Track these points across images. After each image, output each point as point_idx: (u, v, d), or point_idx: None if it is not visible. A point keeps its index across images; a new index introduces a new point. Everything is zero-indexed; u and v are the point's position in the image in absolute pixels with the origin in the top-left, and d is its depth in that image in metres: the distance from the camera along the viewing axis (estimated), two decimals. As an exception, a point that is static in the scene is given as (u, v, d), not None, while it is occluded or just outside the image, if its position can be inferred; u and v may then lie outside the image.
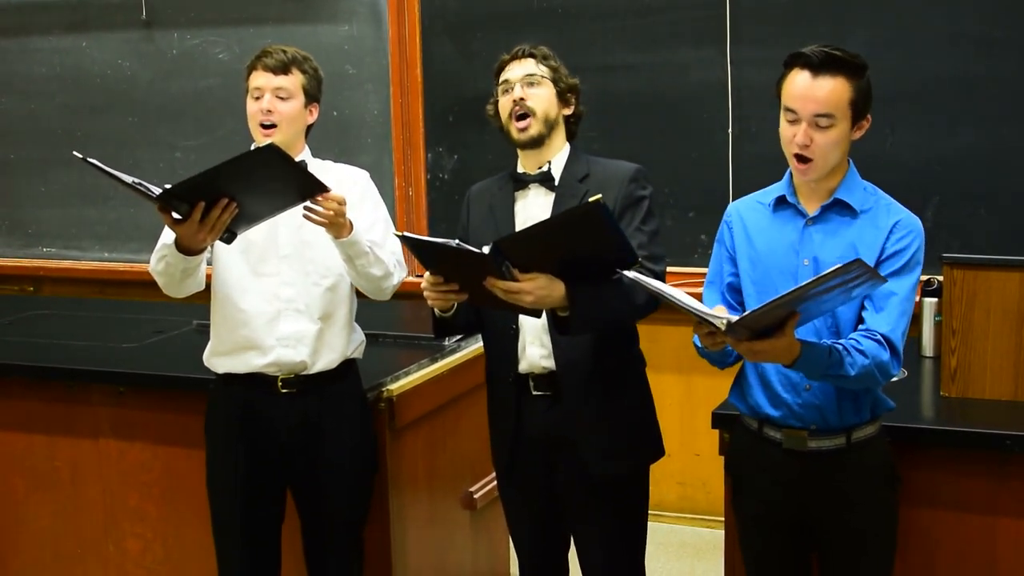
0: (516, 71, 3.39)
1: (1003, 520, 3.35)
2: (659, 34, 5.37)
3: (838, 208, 3.04)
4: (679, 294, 2.82)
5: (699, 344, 3.05)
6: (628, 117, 5.36)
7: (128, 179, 3.13)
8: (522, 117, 3.36)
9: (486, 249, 3.00)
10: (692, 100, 5.34)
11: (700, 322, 2.84)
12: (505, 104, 3.39)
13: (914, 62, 4.97)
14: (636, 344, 3.53)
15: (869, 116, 3.01)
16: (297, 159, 3.56)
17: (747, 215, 3.18)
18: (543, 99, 3.38)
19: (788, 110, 2.96)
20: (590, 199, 2.90)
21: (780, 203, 3.12)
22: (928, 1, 4.95)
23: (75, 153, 3.37)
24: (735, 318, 2.73)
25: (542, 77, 3.38)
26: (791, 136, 2.96)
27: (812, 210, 3.06)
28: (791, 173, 3.10)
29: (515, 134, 3.38)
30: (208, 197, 3.15)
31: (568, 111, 3.46)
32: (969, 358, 3.62)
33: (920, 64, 4.96)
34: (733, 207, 3.24)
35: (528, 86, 3.36)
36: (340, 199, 3.29)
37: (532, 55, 3.41)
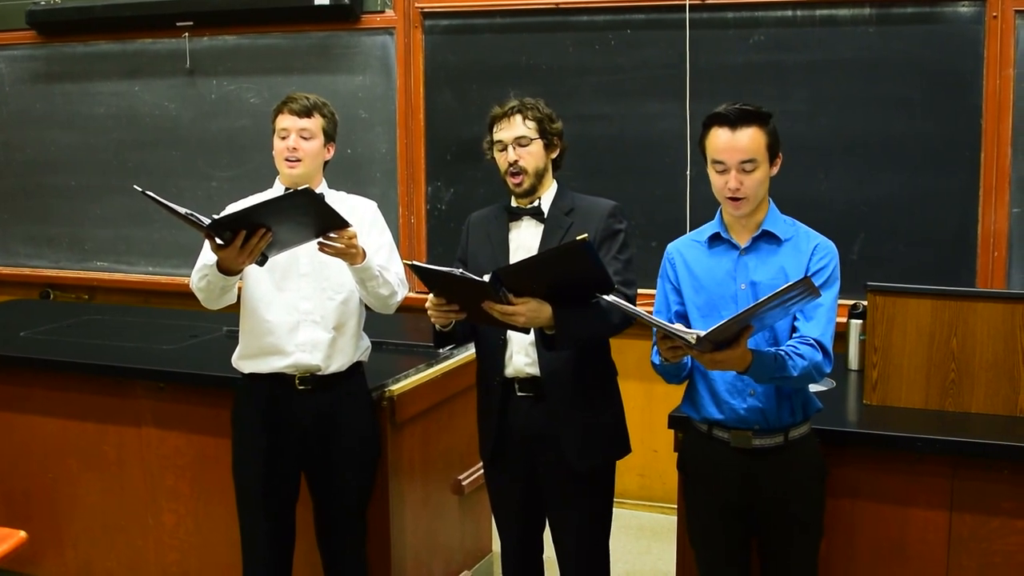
0: (507, 133, 3.40)
1: (914, 511, 3.37)
2: (630, 89, 5.38)
3: (766, 238, 3.11)
4: (653, 316, 2.87)
5: (656, 362, 3.13)
6: (602, 159, 5.37)
7: (182, 210, 3.15)
8: (516, 174, 3.38)
9: (486, 277, 3.04)
10: (657, 146, 5.35)
11: (664, 338, 2.87)
12: (501, 161, 3.42)
13: (845, 119, 4.99)
14: (609, 356, 3.54)
15: (780, 154, 3.09)
16: (316, 190, 3.59)
17: (686, 252, 3.24)
18: (533, 156, 3.40)
19: (717, 162, 3.05)
20: (577, 238, 2.94)
21: (714, 239, 3.18)
22: (856, 68, 4.98)
23: (135, 187, 3.39)
24: (703, 333, 2.77)
25: (531, 139, 3.39)
26: (723, 184, 3.04)
27: (743, 242, 3.12)
28: (720, 214, 3.16)
29: (512, 187, 3.42)
30: (248, 228, 3.17)
31: (554, 154, 3.47)
32: (888, 371, 3.64)
33: (850, 121, 4.99)
34: (672, 247, 3.29)
35: (519, 146, 3.38)
36: (352, 234, 3.31)
37: (519, 111, 3.41)
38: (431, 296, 3.23)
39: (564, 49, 5.46)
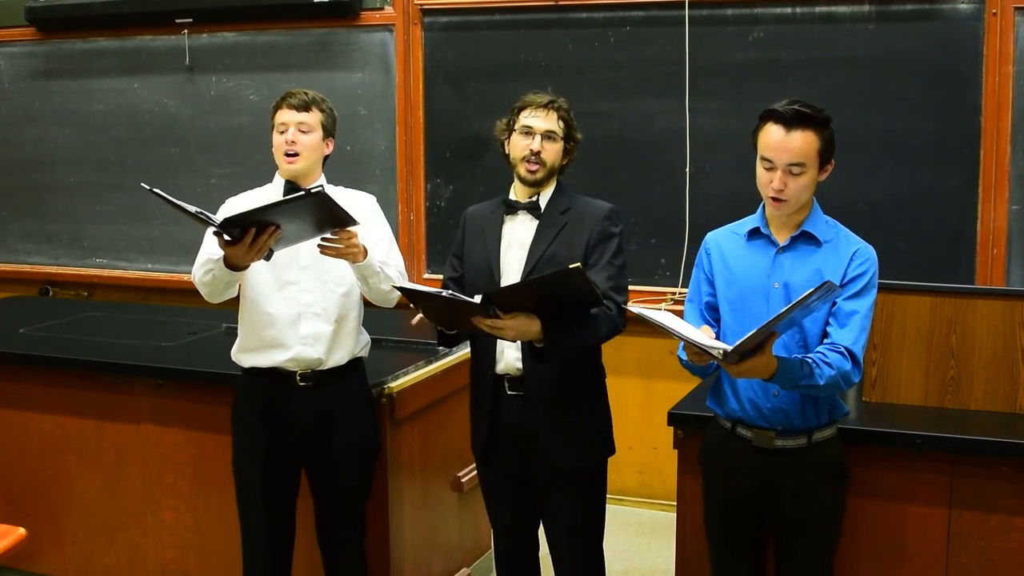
0: (540, 123, 3.39)
1: (913, 508, 3.36)
2: (628, 87, 5.37)
3: (805, 238, 3.06)
4: (682, 329, 2.86)
5: (684, 358, 3.09)
6: (601, 157, 5.36)
7: (191, 209, 3.15)
8: (533, 163, 3.38)
9: (477, 298, 3.07)
10: (656, 143, 5.34)
11: (689, 344, 2.86)
12: (521, 146, 3.40)
13: (844, 117, 4.91)
14: (598, 360, 3.53)
15: (833, 160, 3.04)
16: (315, 184, 3.60)
17: (724, 243, 3.19)
18: (554, 153, 3.41)
19: (764, 159, 2.98)
20: (571, 266, 2.95)
21: (754, 234, 3.13)
22: (855, 66, 4.98)
23: (143, 184, 3.36)
24: (730, 348, 2.76)
25: (559, 137, 3.40)
26: (768, 181, 2.97)
27: (782, 240, 3.07)
28: (763, 208, 3.11)
29: (524, 174, 3.41)
30: (258, 225, 3.17)
31: (566, 161, 3.48)
32: (887, 369, 3.63)
33: (849, 118, 4.95)
34: (711, 236, 3.25)
35: (547, 139, 3.39)
36: (351, 234, 3.32)
37: (556, 108, 3.42)
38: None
39: (563, 46, 5.46)
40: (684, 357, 3.08)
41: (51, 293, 6.74)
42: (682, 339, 2.83)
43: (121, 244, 6.54)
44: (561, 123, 3.42)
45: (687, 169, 5.25)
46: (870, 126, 4.98)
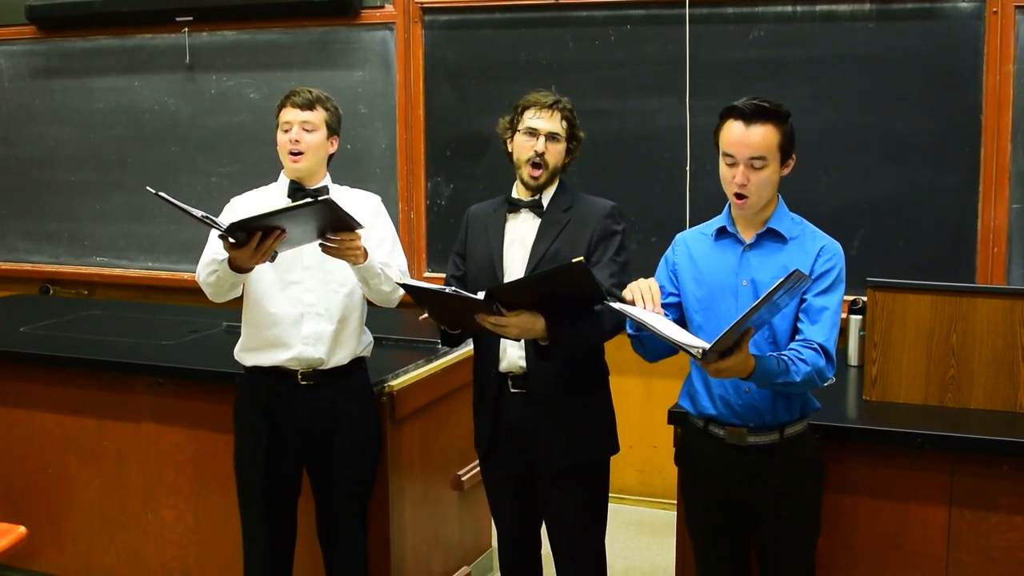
0: (544, 124, 3.39)
1: (913, 507, 3.37)
2: (629, 85, 5.37)
3: (771, 236, 3.09)
4: (660, 326, 2.86)
5: (632, 332, 3.16)
6: (601, 155, 5.35)
7: (197, 213, 3.15)
8: (536, 166, 3.39)
9: (481, 295, 3.07)
10: (656, 142, 5.34)
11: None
12: (525, 147, 3.41)
13: (844, 115, 4.99)
14: (601, 357, 3.53)
15: (794, 155, 3.07)
16: (319, 184, 3.62)
17: (692, 244, 3.23)
18: (557, 154, 3.42)
19: (726, 155, 3.02)
20: (573, 260, 2.96)
21: (721, 233, 3.17)
22: (856, 64, 4.97)
23: (148, 188, 3.37)
24: (708, 346, 2.77)
25: (562, 137, 3.41)
26: (730, 177, 3.02)
27: (749, 238, 3.10)
28: (729, 207, 3.14)
29: (527, 177, 3.41)
30: (264, 230, 3.17)
31: (568, 160, 3.48)
32: (887, 367, 3.64)
33: (849, 117, 4.98)
34: (680, 237, 3.30)
35: (550, 140, 3.39)
36: (353, 236, 3.31)
37: (560, 109, 3.42)
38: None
39: (563, 45, 5.46)
40: (632, 332, 3.12)
41: (51, 292, 6.73)
42: (661, 337, 2.84)
43: (121, 243, 6.54)
44: (564, 123, 3.42)
45: (687, 168, 5.24)
46: (870, 125, 4.98)
